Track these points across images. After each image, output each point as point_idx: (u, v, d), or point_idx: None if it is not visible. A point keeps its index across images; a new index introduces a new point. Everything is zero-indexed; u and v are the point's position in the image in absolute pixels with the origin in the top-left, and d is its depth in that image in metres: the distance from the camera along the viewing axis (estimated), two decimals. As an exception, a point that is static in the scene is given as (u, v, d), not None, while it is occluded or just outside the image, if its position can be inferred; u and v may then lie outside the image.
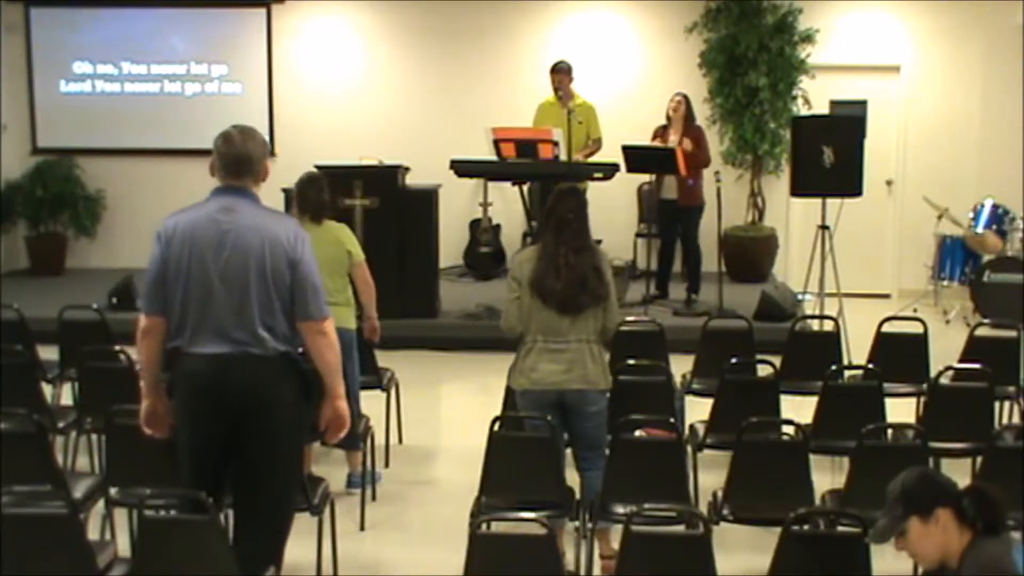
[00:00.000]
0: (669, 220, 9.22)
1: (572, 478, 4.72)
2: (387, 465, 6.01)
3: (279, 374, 3.81)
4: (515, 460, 4.38)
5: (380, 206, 8.06)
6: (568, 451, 4.81)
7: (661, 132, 9.07)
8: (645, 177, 9.57)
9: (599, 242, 4.78)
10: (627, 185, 9.47)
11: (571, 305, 4.47)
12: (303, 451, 4.01)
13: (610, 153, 8.80)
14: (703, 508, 4.47)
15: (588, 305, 4.49)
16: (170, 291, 3.78)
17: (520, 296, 4.54)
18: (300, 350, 3.91)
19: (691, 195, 8.96)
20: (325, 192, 5.54)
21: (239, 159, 3.83)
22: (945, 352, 6.14)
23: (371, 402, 5.83)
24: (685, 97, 9.06)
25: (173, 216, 3.87)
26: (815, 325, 6.76)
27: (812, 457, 4.45)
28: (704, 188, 8.97)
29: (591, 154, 8.94)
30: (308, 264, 3.83)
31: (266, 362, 3.77)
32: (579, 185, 4.88)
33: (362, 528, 5.21)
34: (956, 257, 9.82)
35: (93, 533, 4.34)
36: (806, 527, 3.77)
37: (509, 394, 5.12)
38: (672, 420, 4.59)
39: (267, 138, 10.88)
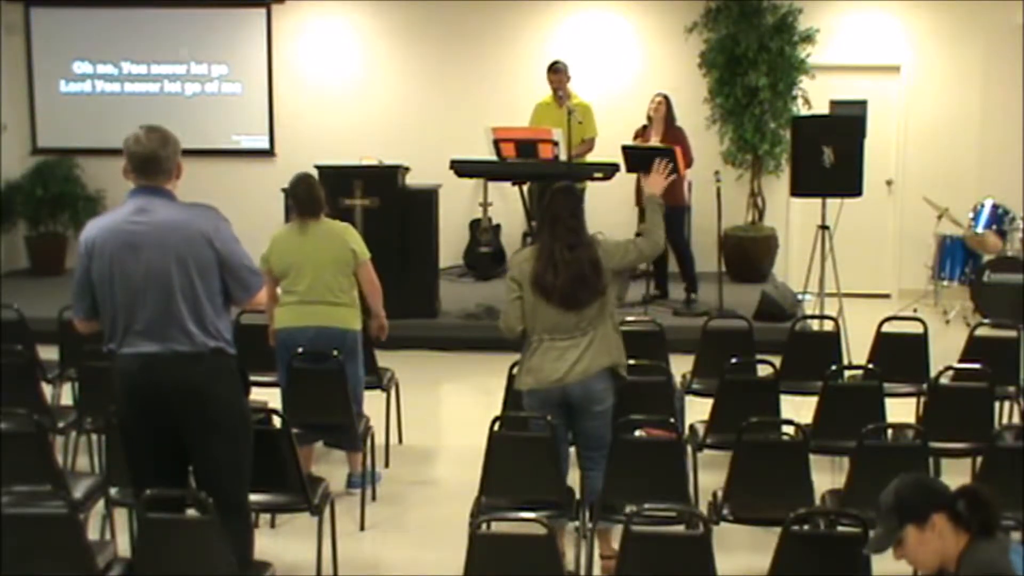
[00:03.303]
0: None
1: (572, 477, 4.72)
2: (387, 465, 6.01)
3: (211, 370, 3.81)
4: (515, 460, 4.37)
5: (380, 206, 8.06)
6: (571, 450, 4.81)
7: (642, 132, 9.09)
8: (645, 177, 9.57)
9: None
10: (626, 185, 9.47)
11: (572, 302, 4.46)
12: (249, 445, 3.96)
13: (609, 153, 8.80)
14: (703, 508, 4.47)
15: (589, 300, 4.48)
16: (98, 297, 3.81)
17: (521, 296, 4.54)
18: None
19: (673, 196, 8.89)
20: (316, 188, 5.51)
21: (147, 159, 3.85)
22: (945, 352, 6.14)
23: (371, 402, 5.83)
24: (666, 97, 9.06)
25: (92, 223, 3.92)
26: (815, 325, 6.76)
27: (812, 457, 4.44)
28: (687, 189, 8.96)
29: (583, 153, 8.91)
30: (233, 251, 3.84)
31: (196, 358, 3.77)
32: (576, 184, 4.95)
33: (362, 528, 5.21)
34: (956, 257, 9.82)
35: (93, 533, 4.35)
36: (806, 527, 3.77)
37: (511, 395, 5.14)
38: (672, 420, 4.59)
39: (267, 137, 11.11)
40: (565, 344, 4.49)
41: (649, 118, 9.05)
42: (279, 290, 5.38)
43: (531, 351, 4.56)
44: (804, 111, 9.97)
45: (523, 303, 4.53)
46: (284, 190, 8.51)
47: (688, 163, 8.98)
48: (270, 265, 5.42)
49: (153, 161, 3.85)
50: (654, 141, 8.90)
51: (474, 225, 10.62)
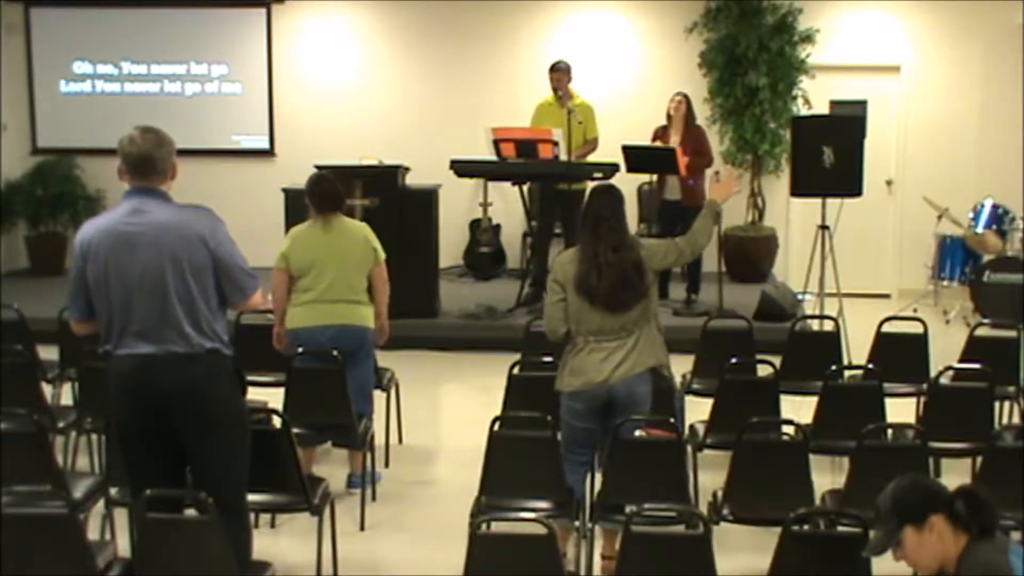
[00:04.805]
0: (670, 221, 9.21)
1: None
2: (387, 465, 6.01)
3: (208, 371, 3.81)
4: (515, 460, 4.37)
5: (380, 206, 8.04)
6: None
7: (662, 133, 9.06)
8: (644, 177, 9.56)
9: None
10: (626, 185, 9.47)
11: (616, 304, 4.44)
12: (247, 446, 3.97)
13: (610, 153, 8.80)
14: (703, 508, 4.47)
15: (634, 302, 4.45)
16: (94, 299, 3.81)
17: (564, 299, 4.50)
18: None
19: (694, 196, 8.94)
20: (336, 185, 5.51)
21: (142, 160, 3.83)
22: (945, 352, 6.14)
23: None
24: (686, 97, 9.05)
25: (88, 224, 3.92)
26: (815, 325, 6.76)
27: (812, 457, 4.44)
28: (707, 189, 8.95)
29: (586, 154, 8.92)
30: (228, 253, 3.84)
31: (193, 359, 3.77)
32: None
33: (362, 528, 5.21)
34: (956, 257, 9.82)
35: (93, 533, 4.35)
36: (806, 527, 3.77)
37: (511, 395, 5.13)
38: (672, 420, 4.59)
39: (267, 137, 11.12)
40: (612, 345, 4.46)
41: (669, 117, 9.03)
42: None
43: (575, 352, 4.52)
44: (804, 111, 9.97)
45: (567, 305, 4.50)
46: (284, 190, 8.59)
47: (708, 163, 9.00)
48: (289, 263, 5.38)
49: (148, 162, 3.84)
50: (674, 140, 8.89)
51: (474, 225, 10.62)
